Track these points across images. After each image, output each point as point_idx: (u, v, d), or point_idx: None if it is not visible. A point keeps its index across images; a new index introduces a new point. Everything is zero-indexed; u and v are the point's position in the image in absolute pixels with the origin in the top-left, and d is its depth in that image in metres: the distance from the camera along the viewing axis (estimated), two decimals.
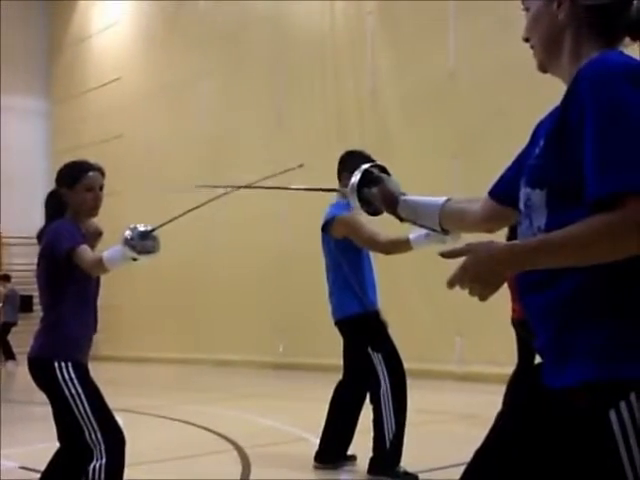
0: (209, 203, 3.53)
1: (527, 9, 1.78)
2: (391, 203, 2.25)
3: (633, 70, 1.55)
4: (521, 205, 1.71)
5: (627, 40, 1.70)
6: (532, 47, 1.79)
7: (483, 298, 1.61)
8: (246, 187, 3.52)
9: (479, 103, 10.33)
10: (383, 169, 2.44)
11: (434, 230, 2.19)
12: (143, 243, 3.28)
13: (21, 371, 13.07)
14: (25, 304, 16.10)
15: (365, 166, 2.40)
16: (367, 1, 12.18)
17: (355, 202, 2.36)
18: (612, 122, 1.49)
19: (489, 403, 6.13)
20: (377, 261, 5.15)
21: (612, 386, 1.52)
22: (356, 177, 2.35)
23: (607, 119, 1.49)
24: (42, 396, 3.49)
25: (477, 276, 1.58)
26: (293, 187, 3.03)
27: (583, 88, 1.55)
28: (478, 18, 10.40)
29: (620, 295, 1.55)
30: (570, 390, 1.57)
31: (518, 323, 5.93)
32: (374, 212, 2.38)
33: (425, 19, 11.18)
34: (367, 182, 2.34)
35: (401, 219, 2.27)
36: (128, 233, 3.27)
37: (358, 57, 12.26)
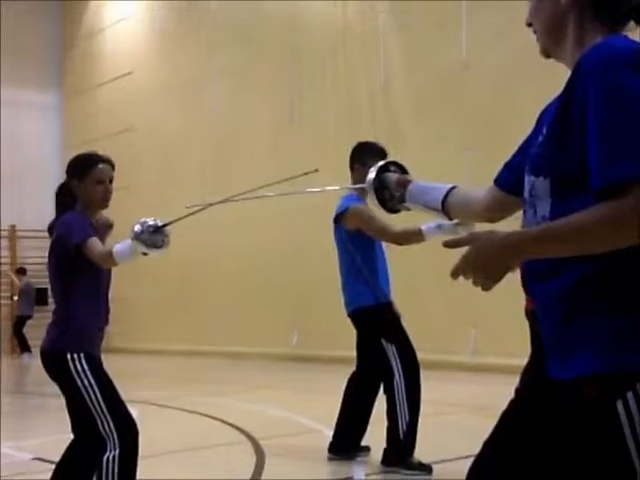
0: (222, 198, 3.52)
1: None
2: (404, 184, 2.28)
3: (637, 56, 1.52)
4: (525, 193, 1.69)
5: (631, 24, 1.68)
6: (535, 32, 1.77)
7: (486, 288, 1.59)
8: (259, 196, 3.48)
9: (491, 96, 10.27)
10: (399, 165, 2.45)
11: (434, 209, 2.20)
12: (153, 238, 3.27)
13: (36, 363, 13.11)
14: (40, 297, 16.19)
15: (381, 162, 2.42)
16: None
17: (373, 199, 2.37)
18: (616, 110, 1.47)
19: (503, 395, 6.12)
20: (390, 252, 5.13)
21: (618, 377, 1.51)
22: (372, 174, 2.36)
23: (611, 107, 1.47)
24: (56, 388, 3.50)
25: (479, 266, 1.57)
26: (308, 190, 3.00)
27: (586, 74, 1.53)
28: (489, 11, 10.33)
29: (625, 285, 1.53)
30: (576, 381, 1.55)
31: (531, 313, 5.90)
32: (392, 209, 2.38)
33: (436, 13, 11.11)
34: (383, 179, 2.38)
35: (403, 200, 2.29)
36: (138, 227, 3.26)
37: (369, 52, 12.21)
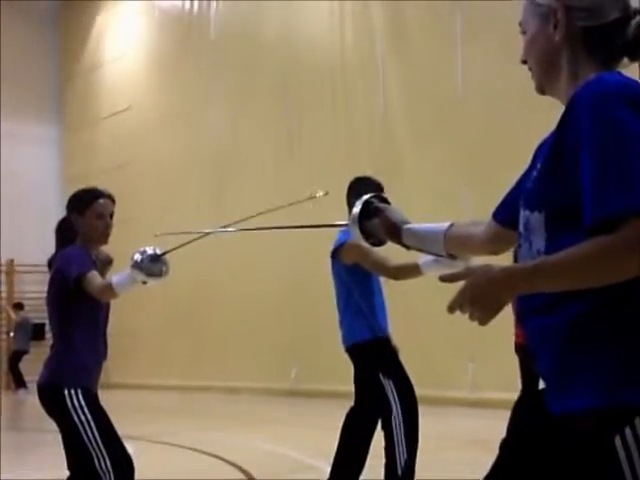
0: (220, 227, 3.54)
1: (524, 32, 1.79)
2: (394, 232, 2.23)
3: (630, 92, 1.54)
4: (520, 228, 1.70)
5: (625, 61, 1.70)
6: (530, 69, 1.79)
7: (483, 322, 1.59)
8: (252, 229, 3.49)
9: (488, 126, 10.35)
10: (384, 199, 2.43)
11: (440, 256, 2.18)
12: (152, 266, 3.29)
13: (32, 399, 13.02)
14: (37, 332, 16.11)
15: (365, 197, 2.38)
16: (377, 26, 12.25)
17: (357, 234, 2.34)
18: (609, 145, 1.48)
19: (501, 429, 6.08)
20: (388, 286, 5.13)
21: (616, 411, 1.50)
22: (356, 209, 2.34)
23: (604, 142, 1.48)
24: (52, 424, 3.48)
25: (476, 299, 1.57)
26: (298, 225, 2.99)
27: (580, 109, 1.54)
28: (486, 43, 10.44)
29: (624, 320, 1.53)
30: (574, 416, 1.55)
31: (521, 348, 5.90)
32: (377, 243, 2.37)
33: (434, 44, 11.24)
34: (368, 213, 2.31)
35: (407, 247, 2.26)
36: (138, 256, 3.29)
37: (368, 82, 12.31)
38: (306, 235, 11.43)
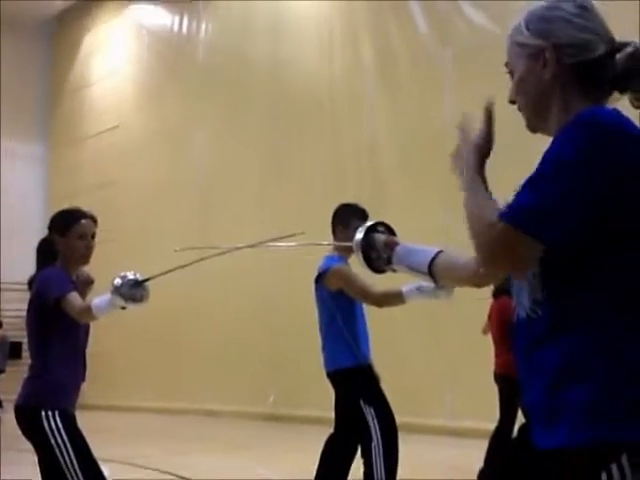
0: (202, 255, 3.54)
1: (511, 72, 1.80)
2: (392, 245, 2.30)
3: (603, 126, 1.56)
4: None
5: (616, 94, 1.71)
6: (520, 109, 1.81)
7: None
8: (241, 247, 3.50)
9: None
10: (388, 227, 2.47)
11: (422, 273, 2.21)
12: (132, 292, 3.27)
13: (7, 418, 12.89)
14: (14, 350, 15.96)
15: (370, 222, 2.43)
16: (365, 54, 12.34)
17: (360, 258, 2.38)
18: (552, 163, 1.57)
19: (478, 457, 6.08)
20: (370, 313, 5.13)
21: (603, 448, 1.50)
22: (360, 233, 2.37)
23: (550, 158, 1.58)
24: (27, 444, 3.44)
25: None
26: (295, 244, 3.00)
27: (559, 135, 1.61)
28: (474, 76, 10.54)
29: (613, 358, 1.54)
30: (560, 451, 1.55)
31: (500, 377, 5.91)
32: (377, 269, 2.39)
33: (422, 75, 11.33)
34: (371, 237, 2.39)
35: (394, 270, 2.30)
36: (118, 281, 3.27)
37: (356, 110, 12.37)
38: (284, 261, 11.46)
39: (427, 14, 11.47)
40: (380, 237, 2.36)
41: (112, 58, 17.86)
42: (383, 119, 11.98)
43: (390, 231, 2.47)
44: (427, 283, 2.52)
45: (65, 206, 3.76)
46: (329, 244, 3.99)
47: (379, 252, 2.35)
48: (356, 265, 2.59)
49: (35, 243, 3.70)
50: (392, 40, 11.87)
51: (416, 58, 11.47)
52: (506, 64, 1.82)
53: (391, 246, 2.30)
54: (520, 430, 5.78)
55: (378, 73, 12.10)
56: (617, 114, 1.60)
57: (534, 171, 1.60)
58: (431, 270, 2.17)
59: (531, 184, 1.58)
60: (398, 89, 11.70)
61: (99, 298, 3.34)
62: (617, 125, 1.57)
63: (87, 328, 3.57)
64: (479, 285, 2.09)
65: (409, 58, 11.58)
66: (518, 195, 1.61)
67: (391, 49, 11.89)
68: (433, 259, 2.16)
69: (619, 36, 1.77)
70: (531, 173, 1.60)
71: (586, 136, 1.54)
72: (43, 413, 3.35)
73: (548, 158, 1.58)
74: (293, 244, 3.14)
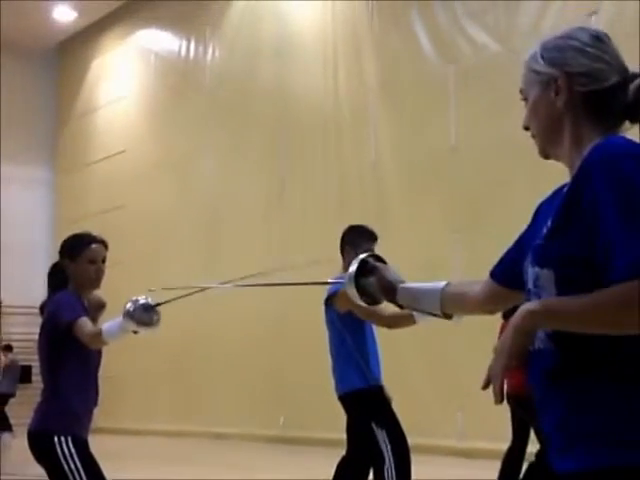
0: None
1: (525, 98, 1.82)
2: (389, 291, 2.23)
3: (637, 153, 1.59)
4: (530, 285, 1.71)
5: (627, 124, 1.74)
6: (533, 136, 1.82)
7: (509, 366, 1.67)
8: (253, 285, 3.50)
9: (479, 178, 10.43)
10: (379, 258, 2.44)
11: (435, 315, 2.18)
12: (144, 316, 3.28)
13: (18, 443, 12.85)
14: (24, 374, 15.95)
15: (362, 256, 2.39)
16: (369, 76, 12.40)
17: (353, 292, 2.34)
18: (631, 202, 1.52)
19: (490, 478, 6.03)
20: (379, 335, 5.12)
21: (620, 472, 1.51)
22: (353, 267, 2.34)
23: (625, 199, 1.52)
24: (38, 470, 3.44)
25: (500, 355, 1.67)
26: (294, 282, 2.98)
27: (593, 171, 1.58)
28: (478, 95, 10.59)
29: (629, 385, 1.55)
30: (578, 474, 1.56)
31: (513, 399, 5.88)
32: (373, 302, 2.37)
33: (426, 94, 11.38)
34: (364, 272, 2.32)
35: (401, 307, 2.27)
36: (130, 305, 3.28)
37: (360, 130, 12.42)
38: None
39: (430, 33, 11.53)
40: (374, 283, 2.27)
41: (119, 83, 17.97)
42: (387, 138, 12.02)
43: (381, 261, 2.38)
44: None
45: (71, 231, 3.77)
46: (321, 282, 3.97)
47: (375, 298, 2.31)
48: None
49: (41, 268, 3.71)
50: (396, 59, 11.94)
51: (420, 77, 11.52)
52: (521, 90, 1.83)
53: (388, 292, 2.24)
54: (537, 455, 5.74)
55: (382, 92, 12.15)
56: (629, 140, 1.64)
57: (609, 219, 1.53)
58: (444, 310, 2.13)
59: (630, 231, 1.49)
60: (402, 108, 11.75)
61: (109, 323, 3.34)
62: (635, 146, 1.61)
63: (100, 352, 3.58)
64: (492, 312, 2.09)
65: (413, 77, 11.63)
66: (623, 247, 1.50)
67: (395, 68, 11.95)
68: (441, 298, 2.12)
69: (620, 38, 1.79)
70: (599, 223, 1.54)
71: (627, 160, 1.56)
72: (56, 439, 3.35)
73: (618, 200, 1.52)
74: (287, 283, 3.10)
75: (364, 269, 2.31)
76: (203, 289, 3.61)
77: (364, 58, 12.52)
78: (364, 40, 12.54)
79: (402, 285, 2.22)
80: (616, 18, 9.04)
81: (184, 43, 16.28)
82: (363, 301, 2.33)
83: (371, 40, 12.42)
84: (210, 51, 15.66)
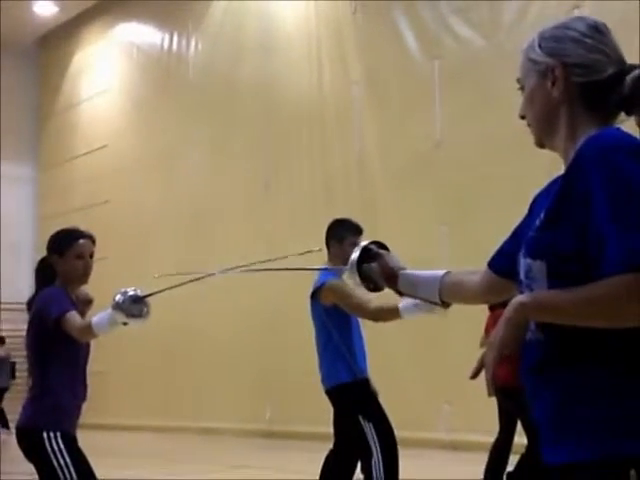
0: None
1: (522, 88, 1.82)
2: (391, 277, 2.24)
3: (631, 145, 1.59)
4: (522, 276, 1.72)
5: (622, 115, 1.74)
6: (529, 125, 1.82)
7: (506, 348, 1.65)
8: (245, 269, 3.50)
9: (464, 173, 10.46)
10: (382, 245, 2.45)
11: (434, 303, 2.20)
12: (134, 307, 3.27)
13: (12, 440, 12.85)
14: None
15: (364, 243, 2.41)
16: (353, 70, 12.40)
17: (356, 279, 2.35)
18: (623, 196, 1.52)
19: (477, 472, 6.07)
20: (365, 328, 5.14)
21: (611, 463, 1.52)
22: (355, 253, 2.36)
23: (619, 193, 1.53)
24: (30, 466, 3.43)
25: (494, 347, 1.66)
26: (291, 267, 2.99)
27: (587, 163, 1.59)
28: (462, 90, 10.61)
29: (620, 377, 1.56)
30: (568, 466, 1.57)
31: (499, 390, 5.90)
32: (375, 288, 2.37)
33: (411, 89, 11.39)
34: (366, 258, 2.33)
35: (400, 293, 2.27)
36: (119, 297, 3.26)
37: (345, 126, 12.42)
38: (280, 277, 11.45)
39: (415, 29, 11.55)
40: (376, 268, 2.29)
41: (101, 77, 17.88)
42: (372, 134, 12.03)
43: (383, 248, 2.41)
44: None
45: (55, 226, 3.75)
46: (321, 268, 3.97)
47: (377, 283, 2.32)
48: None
49: (26, 264, 3.70)
50: (380, 54, 11.94)
51: (404, 72, 11.53)
52: (518, 80, 1.83)
53: (390, 278, 2.25)
54: (527, 447, 5.78)
55: (367, 88, 12.16)
56: (624, 132, 1.65)
57: (602, 213, 1.53)
58: (442, 299, 2.15)
59: (622, 224, 1.50)
60: (387, 103, 11.76)
61: (99, 315, 3.33)
62: (629, 138, 1.62)
63: (88, 347, 3.57)
64: (489, 302, 2.10)
65: (397, 73, 11.64)
66: (615, 240, 1.50)
67: (380, 63, 11.95)
68: (440, 286, 2.14)
69: (620, 36, 1.80)
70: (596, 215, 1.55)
71: (624, 153, 1.57)
72: (45, 434, 3.34)
73: (611, 193, 1.53)
74: (285, 268, 3.12)
75: (366, 255, 2.33)
76: (203, 277, 3.58)
77: (349, 53, 12.51)
78: (348, 35, 12.53)
79: (403, 272, 2.23)
80: (598, 12, 9.09)
81: (167, 37, 16.22)
82: (364, 287, 2.34)
83: (355, 35, 12.42)
84: (193, 45, 15.60)
